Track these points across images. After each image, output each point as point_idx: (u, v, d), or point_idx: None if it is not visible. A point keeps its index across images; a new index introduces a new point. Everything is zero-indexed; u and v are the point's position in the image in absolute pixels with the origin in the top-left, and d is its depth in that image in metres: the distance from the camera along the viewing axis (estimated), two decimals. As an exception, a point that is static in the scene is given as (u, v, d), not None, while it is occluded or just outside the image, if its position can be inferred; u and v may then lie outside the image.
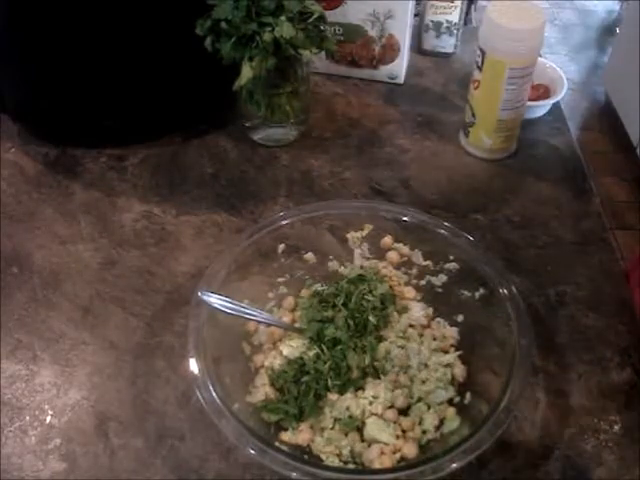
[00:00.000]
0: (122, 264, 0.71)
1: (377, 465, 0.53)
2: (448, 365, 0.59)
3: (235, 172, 0.81)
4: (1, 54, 0.76)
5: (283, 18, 0.69)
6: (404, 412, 0.57)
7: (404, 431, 0.56)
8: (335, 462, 0.54)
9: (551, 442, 0.56)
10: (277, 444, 0.52)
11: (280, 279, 0.65)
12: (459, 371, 0.59)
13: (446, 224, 0.63)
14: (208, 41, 0.71)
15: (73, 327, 0.65)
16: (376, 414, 0.56)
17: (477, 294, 0.61)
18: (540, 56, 0.78)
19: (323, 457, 0.54)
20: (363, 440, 0.55)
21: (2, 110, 0.83)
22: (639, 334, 0.64)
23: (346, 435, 0.55)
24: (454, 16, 0.93)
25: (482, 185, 0.79)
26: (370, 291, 0.62)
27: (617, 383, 0.60)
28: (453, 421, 0.55)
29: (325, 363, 0.58)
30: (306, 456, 0.54)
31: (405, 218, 0.64)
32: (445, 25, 0.94)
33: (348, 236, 0.66)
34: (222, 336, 0.58)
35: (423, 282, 0.65)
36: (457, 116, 0.85)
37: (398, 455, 0.54)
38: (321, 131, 0.86)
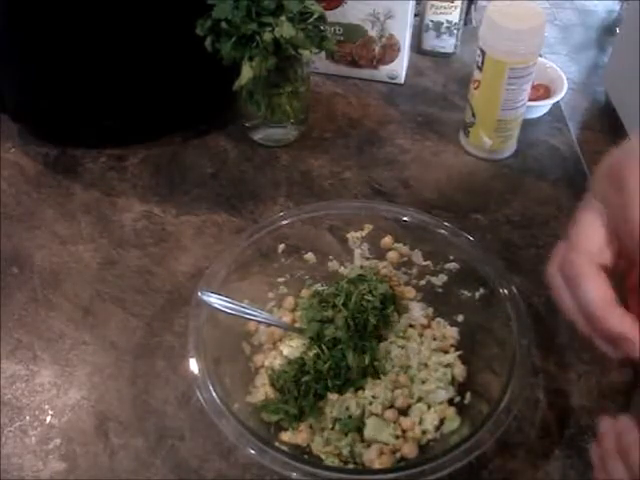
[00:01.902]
0: (122, 264, 0.71)
1: (377, 465, 0.53)
2: (448, 365, 0.59)
3: (235, 172, 0.81)
4: (1, 54, 0.76)
5: (283, 18, 0.69)
6: (404, 412, 0.57)
7: (404, 431, 0.56)
8: (335, 462, 0.54)
9: (551, 442, 0.56)
10: (277, 444, 0.52)
11: (280, 279, 0.65)
12: (459, 371, 0.59)
13: (446, 224, 0.63)
14: (208, 41, 0.71)
15: (73, 327, 0.65)
16: (376, 414, 0.56)
17: (477, 294, 0.61)
18: (540, 56, 0.78)
19: (323, 457, 0.54)
20: (363, 440, 0.55)
21: (2, 110, 0.83)
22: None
23: (346, 435, 0.55)
24: (454, 16, 0.93)
25: (482, 185, 0.79)
26: (370, 291, 0.62)
27: (617, 383, 0.60)
28: (453, 421, 0.55)
29: (325, 363, 0.58)
30: (306, 456, 0.54)
31: (405, 218, 0.64)
32: (445, 25, 0.94)
33: (348, 236, 0.66)
34: (222, 336, 0.58)
35: (423, 282, 0.65)
36: (457, 116, 0.85)
37: (398, 455, 0.54)
38: (321, 131, 0.86)
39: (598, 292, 0.36)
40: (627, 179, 0.34)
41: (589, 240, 0.37)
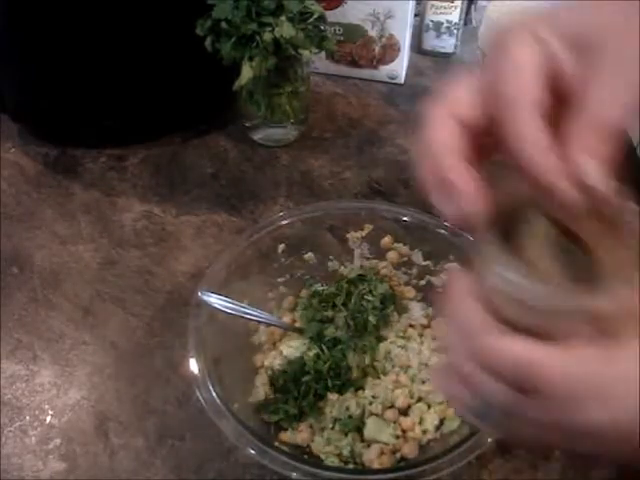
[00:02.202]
0: (122, 264, 0.71)
1: (377, 465, 0.53)
2: (448, 365, 0.59)
3: (235, 172, 0.81)
4: (1, 54, 0.76)
5: (283, 18, 0.69)
6: (404, 412, 0.57)
7: (404, 431, 0.56)
8: (335, 462, 0.54)
9: (551, 442, 0.56)
10: (277, 444, 0.52)
11: (280, 279, 0.65)
12: (459, 371, 0.59)
13: (446, 224, 0.63)
14: (208, 41, 0.71)
15: (73, 327, 0.65)
16: (376, 414, 0.56)
17: (477, 294, 0.61)
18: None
19: (323, 457, 0.54)
20: (363, 440, 0.55)
21: (2, 110, 0.83)
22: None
23: (346, 435, 0.55)
24: (454, 16, 0.93)
25: (482, 185, 0.79)
26: (370, 291, 0.62)
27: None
28: (453, 421, 0.55)
29: (325, 363, 0.58)
30: (306, 456, 0.54)
31: (405, 218, 0.64)
32: (445, 25, 0.94)
33: (348, 236, 0.66)
34: (222, 336, 0.58)
35: (423, 282, 0.65)
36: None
37: (398, 455, 0.54)
38: (321, 131, 0.86)
39: (443, 136, 0.33)
40: (508, 42, 0.33)
41: (455, 97, 0.35)
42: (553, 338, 0.30)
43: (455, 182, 0.32)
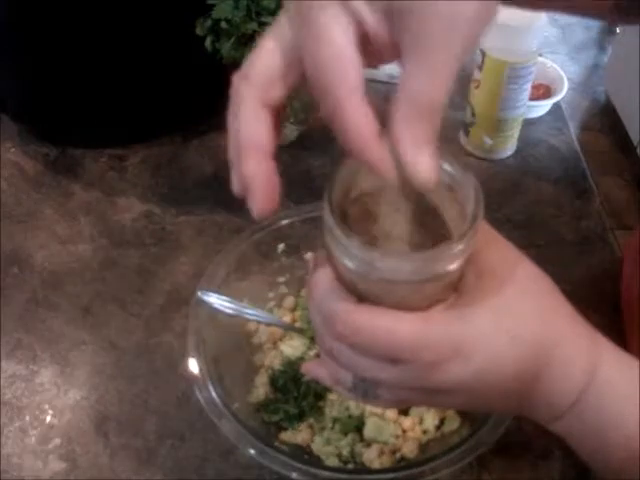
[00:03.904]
0: (122, 264, 0.71)
1: (377, 465, 0.53)
2: (448, 365, 0.59)
3: (235, 172, 0.81)
4: (1, 54, 0.76)
5: (283, 18, 0.69)
6: (404, 412, 0.57)
7: (404, 431, 0.56)
8: (335, 462, 0.54)
9: (551, 442, 0.56)
10: (277, 444, 0.52)
11: (280, 279, 0.65)
12: (459, 371, 0.59)
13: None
14: (208, 41, 0.71)
15: (73, 327, 0.65)
16: (376, 414, 0.56)
17: (477, 294, 0.61)
18: (540, 56, 0.78)
19: (323, 457, 0.54)
20: (363, 440, 0.55)
21: (2, 110, 0.83)
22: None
23: (346, 435, 0.55)
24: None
25: (482, 185, 0.79)
26: (370, 291, 0.61)
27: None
28: (453, 421, 0.55)
29: (325, 363, 0.58)
30: (306, 456, 0.54)
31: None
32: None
33: (348, 236, 0.66)
34: (222, 336, 0.58)
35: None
36: (457, 116, 0.85)
37: (398, 455, 0.54)
38: (321, 131, 0.86)
39: (246, 127, 0.35)
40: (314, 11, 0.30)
41: (261, 69, 0.35)
42: (416, 308, 0.32)
43: (253, 186, 0.34)
